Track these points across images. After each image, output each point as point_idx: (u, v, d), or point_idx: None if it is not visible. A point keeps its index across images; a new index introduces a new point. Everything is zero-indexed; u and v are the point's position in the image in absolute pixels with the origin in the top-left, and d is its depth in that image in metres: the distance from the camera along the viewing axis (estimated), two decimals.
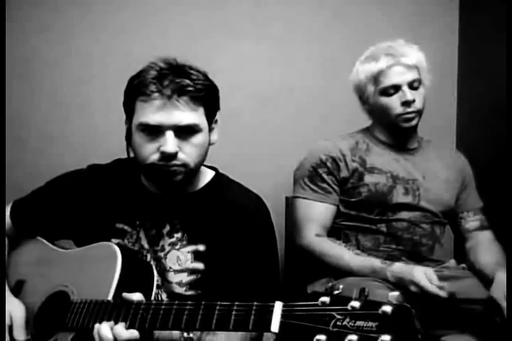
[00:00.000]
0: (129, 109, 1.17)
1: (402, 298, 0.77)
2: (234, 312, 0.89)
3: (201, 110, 1.14)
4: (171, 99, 1.09)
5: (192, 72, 1.13)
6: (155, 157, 1.13)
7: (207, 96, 1.15)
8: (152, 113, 1.10)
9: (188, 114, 1.11)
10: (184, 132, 1.13)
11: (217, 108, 1.21)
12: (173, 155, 1.12)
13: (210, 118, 1.18)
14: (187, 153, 1.14)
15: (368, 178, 1.65)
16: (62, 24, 2.01)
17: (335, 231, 1.68)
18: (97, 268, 1.15)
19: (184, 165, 1.14)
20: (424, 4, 2.21)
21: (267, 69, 2.12)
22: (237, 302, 0.90)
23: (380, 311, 0.75)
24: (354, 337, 0.75)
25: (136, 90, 1.13)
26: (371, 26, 2.16)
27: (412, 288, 1.44)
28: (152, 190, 1.25)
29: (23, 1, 1.98)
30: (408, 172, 1.68)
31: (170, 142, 1.11)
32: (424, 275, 1.44)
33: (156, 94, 1.10)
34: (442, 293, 1.40)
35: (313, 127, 2.12)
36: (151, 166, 1.14)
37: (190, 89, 1.10)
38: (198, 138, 1.15)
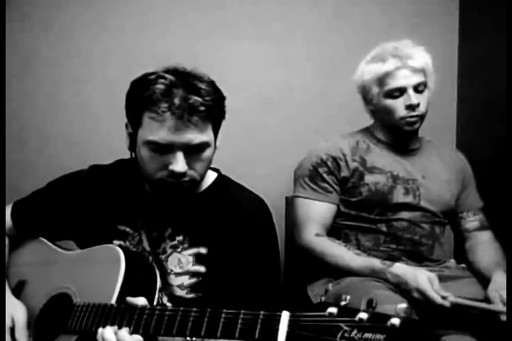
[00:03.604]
0: (135, 119, 1.15)
1: (411, 311, 0.77)
2: (240, 321, 0.89)
3: (210, 126, 1.13)
4: (182, 119, 1.08)
5: (202, 86, 1.11)
6: (163, 174, 1.13)
7: (216, 112, 1.14)
8: (163, 133, 1.09)
9: (198, 134, 1.10)
10: (194, 150, 1.12)
11: (224, 118, 1.20)
12: (183, 174, 1.12)
13: (217, 129, 1.18)
14: (196, 169, 1.14)
15: (369, 178, 1.65)
16: (61, 24, 2.01)
17: (335, 230, 1.68)
18: (100, 270, 1.15)
19: (192, 180, 1.15)
20: (424, 4, 2.21)
21: (267, 69, 2.12)
22: (243, 311, 0.90)
23: (388, 324, 0.75)
24: None
25: (143, 104, 1.11)
26: (371, 26, 2.16)
27: (415, 295, 1.43)
28: (153, 192, 1.25)
29: (22, 1, 1.97)
30: (408, 172, 1.68)
31: (180, 162, 1.10)
32: (428, 283, 1.43)
33: (168, 114, 1.08)
34: (446, 303, 1.40)
35: (313, 127, 2.11)
36: (159, 182, 1.14)
37: (202, 108, 1.09)
38: (207, 153, 1.15)
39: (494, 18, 2.06)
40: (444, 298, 1.41)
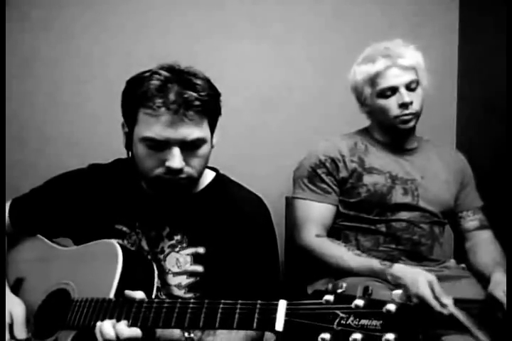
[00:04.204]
0: (130, 117, 1.14)
1: (406, 297, 0.77)
2: (238, 311, 0.89)
3: (206, 122, 1.13)
4: (178, 114, 1.07)
5: (196, 81, 1.11)
6: (160, 170, 1.13)
7: (211, 108, 1.14)
8: (159, 129, 1.09)
9: (194, 129, 1.10)
10: (190, 146, 1.12)
11: (220, 115, 1.19)
12: (179, 170, 1.12)
13: (213, 126, 1.18)
14: (192, 165, 1.14)
15: (367, 179, 1.65)
16: (61, 24, 2.01)
17: (334, 231, 1.68)
18: (98, 265, 1.15)
19: (189, 177, 1.14)
20: (424, 4, 2.21)
21: (267, 69, 2.12)
22: (240, 301, 0.90)
23: (384, 310, 0.76)
24: (358, 335, 0.75)
25: (139, 100, 1.11)
26: (371, 26, 2.16)
27: (415, 300, 1.41)
28: (151, 191, 1.24)
29: (22, 1, 1.98)
30: (407, 172, 1.68)
31: (177, 158, 1.10)
32: (429, 289, 1.41)
33: (163, 110, 1.08)
34: (445, 312, 1.39)
35: (313, 127, 2.12)
36: (156, 179, 1.14)
37: (197, 103, 1.09)
38: (203, 150, 1.15)
39: (494, 18, 2.06)
40: (443, 305, 1.39)
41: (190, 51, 2.00)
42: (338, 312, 0.78)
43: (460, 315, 1.41)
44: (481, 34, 2.14)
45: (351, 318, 0.77)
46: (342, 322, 0.77)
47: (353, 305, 0.78)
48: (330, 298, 0.80)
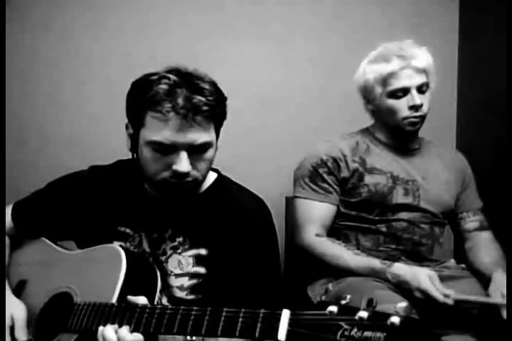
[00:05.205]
0: (136, 119, 1.14)
1: (410, 310, 0.77)
2: (240, 319, 0.89)
3: (212, 126, 1.14)
4: (187, 119, 1.08)
5: (204, 85, 1.11)
6: (166, 174, 1.13)
7: (218, 112, 1.14)
8: (167, 133, 1.09)
9: (202, 134, 1.11)
10: (197, 150, 1.12)
11: (225, 119, 1.20)
12: (186, 174, 1.12)
13: (218, 130, 1.18)
14: (198, 169, 1.14)
15: (368, 179, 1.65)
16: (61, 24, 2.01)
17: (335, 231, 1.68)
18: (101, 270, 1.15)
19: (195, 180, 1.15)
20: (424, 4, 2.21)
21: (267, 69, 2.12)
22: (243, 309, 0.90)
23: (388, 322, 0.76)
24: None
25: (146, 104, 1.11)
26: (371, 26, 2.16)
27: (417, 295, 1.43)
28: (154, 193, 1.25)
29: (22, 1, 1.97)
30: (408, 173, 1.68)
31: (184, 162, 1.10)
32: (430, 282, 1.43)
33: (172, 114, 1.08)
34: (449, 301, 1.40)
35: (313, 127, 2.12)
36: (162, 182, 1.14)
37: (205, 108, 1.09)
38: (209, 153, 1.15)
39: (494, 18, 2.06)
40: (446, 296, 1.40)
41: (190, 51, 2.00)
42: (341, 323, 0.78)
43: (466, 296, 1.42)
44: (481, 34, 2.14)
45: (355, 330, 0.77)
46: (345, 333, 0.77)
47: (356, 317, 0.78)
48: (334, 309, 0.80)
